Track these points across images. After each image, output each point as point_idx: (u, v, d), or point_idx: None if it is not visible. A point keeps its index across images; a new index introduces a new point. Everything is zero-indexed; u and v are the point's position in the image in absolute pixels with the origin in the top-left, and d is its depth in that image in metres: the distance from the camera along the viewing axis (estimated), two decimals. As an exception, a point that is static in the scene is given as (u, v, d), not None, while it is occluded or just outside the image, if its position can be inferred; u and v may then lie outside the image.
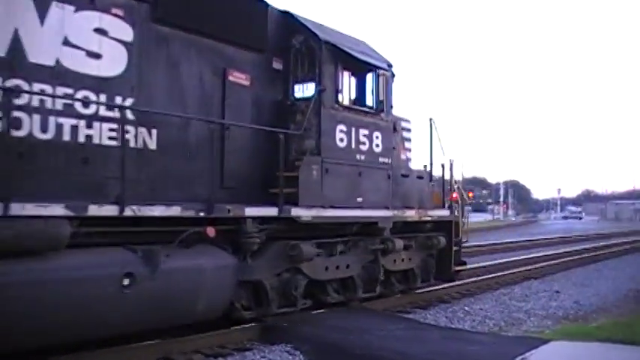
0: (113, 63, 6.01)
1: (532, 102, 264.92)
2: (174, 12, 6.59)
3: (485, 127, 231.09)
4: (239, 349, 6.48)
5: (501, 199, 67.90)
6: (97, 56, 5.87)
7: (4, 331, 4.70)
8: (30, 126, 5.31)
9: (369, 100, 8.72)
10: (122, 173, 5.54)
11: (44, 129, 5.42)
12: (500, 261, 15.98)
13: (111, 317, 5.40)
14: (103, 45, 5.92)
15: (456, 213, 10.57)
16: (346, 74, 8.31)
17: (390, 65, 9.05)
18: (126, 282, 5.45)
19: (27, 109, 5.29)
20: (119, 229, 5.63)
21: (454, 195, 10.48)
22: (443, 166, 10.55)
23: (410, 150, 10.46)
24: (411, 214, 9.34)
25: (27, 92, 5.30)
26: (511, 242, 24.85)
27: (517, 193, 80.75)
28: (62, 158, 5.52)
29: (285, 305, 7.49)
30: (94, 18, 5.85)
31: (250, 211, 6.76)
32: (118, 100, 6.02)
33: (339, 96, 8.08)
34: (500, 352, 6.10)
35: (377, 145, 8.66)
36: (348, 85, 8.41)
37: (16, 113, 5.18)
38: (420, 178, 9.86)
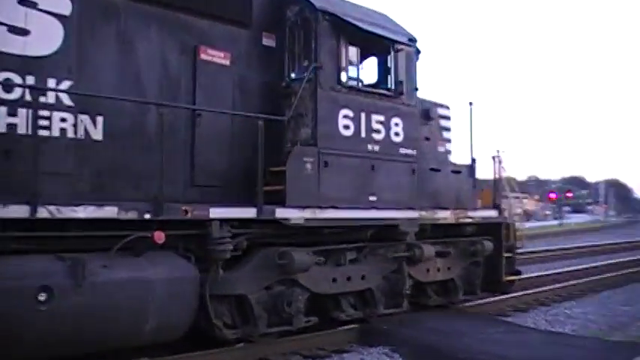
0: (44, 40, 5.10)
1: (635, 95, 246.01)
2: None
3: (586, 123, 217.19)
4: (337, 351, 6.46)
5: (601, 199, 62.78)
6: (22, 32, 4.99)
7: None
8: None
9: (386, 82, 7.34)
10: (35, 166, 4.57)
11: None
12: (602, 263, 15.41)
13: (25, 336, 4.47)
14: (30, 19, 5.03)
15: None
16: (353, 50, 6.99)
17: (412, 40, 7.63)
18: (42, 297, 4.50)
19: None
20: (47, 234, 4.71)
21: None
22: (494, 159, 9.00)
23: (450, 141, 8.93)
24: (445, 216, 7.86)
25: None
26: (611, 244, 23.91)
27: (618, 192, 75.00)
28: None
29: (275, 324, 6.30)
30: None
31: (217, 212, 5.64)
32: (52, 82, 5.11)
33: (343, 75, 6.78)
34: (604, 358, 6.00)
35: (396, 134, 7.28)
36: (356, 62, 7.08)
37: None
38: (457, 172, 8.32)
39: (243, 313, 6.18)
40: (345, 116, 6.74)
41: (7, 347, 4.45)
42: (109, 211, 4.92)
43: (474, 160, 8.59)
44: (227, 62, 6.35)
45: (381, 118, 7.13)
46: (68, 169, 5.13)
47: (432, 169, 7.84)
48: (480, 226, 8.63)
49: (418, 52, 7.75)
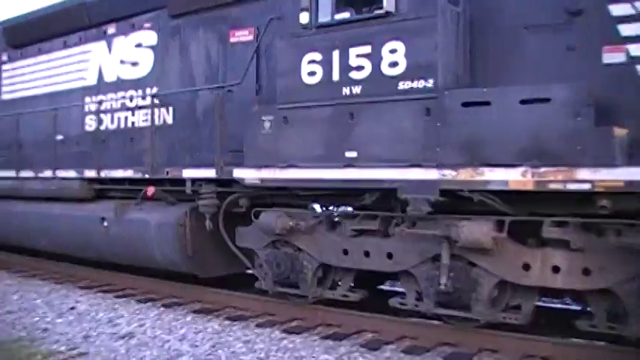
0: (144, 66, 7.87)
1: None
2: (184, 1, 7.43)
3: None
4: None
5: None
6: (135, 64, 7.99)
7: (52, 238, 8.22)
8: (105, 122, 8.29)
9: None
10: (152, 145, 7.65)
11: (112, 123, 8.24)
12: None
13: (96, 243, 7.70)
14: (138, 54, 7.95)
15: None
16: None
17: None
18: (104, 222, 7.57)
19: (105, 112, 8.30)
20: (108, 187, 7.72)
21: None
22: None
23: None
24: (505, 177, 4.71)
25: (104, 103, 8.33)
26: None
27: None
28: (119, 140, 8.09)
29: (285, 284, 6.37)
30: (135, 36, 8.00)
31: (187, 173, 6.73)
32: (148, 91, 7.81)
33: (304, 15, 5.74)
34: None
35: (393, 64, 5.24)
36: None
37: (100, 116, 8.33)
38: (541, 101, 4.53)
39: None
40: (312, 61, 5.70)
41: (85, 249, 7.74)
42: (128, 172, 7.27)
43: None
44: (251, 38, 6.80)
45: (366, 49, 5.37)
46: (156, 146, 7.61)
47: (467, 104, 4.83)
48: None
49: None
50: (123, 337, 5.88)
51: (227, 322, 6.33)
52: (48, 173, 8.45)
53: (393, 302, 5.71)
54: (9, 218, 9.01)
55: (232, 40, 6.88)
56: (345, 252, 5.84)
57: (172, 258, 6.92)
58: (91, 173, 7.91)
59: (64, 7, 8.84)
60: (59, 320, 6.58)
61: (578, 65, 4.74)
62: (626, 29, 4.66)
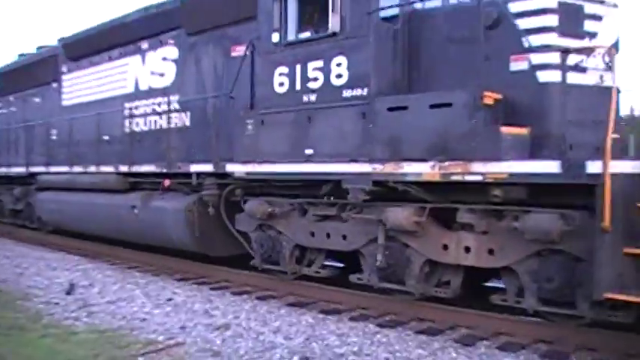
0: (169, 77, 9.31)
1: None
2: (198, 22, 8.78)
3: None
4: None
5: None
6: (162, 75, 9.45)
7: (96, 223, 9.91)
8: (139, 125, 9.84)
9: (326, 21, 6.41)
10: (168, 144, 9.20)
11: (144, 125, 9.77)
12: None
13: (126, 227, 9.27)
14: (164, 66, 9.41)
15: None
16: (292, 4, 6.79)
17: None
18: (134, 209, 9.12)
19: (139, 116, 9.85)
20: (150, 180, 9.23)
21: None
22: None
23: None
24: (419, 170, 5.69)
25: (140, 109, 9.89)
26: None
27: None
28: (150, 140, 9.60)
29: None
30: (162, 51, 9.46)
31: (193, 167, 8.10)
32: (172, 99, 9.22)
33: (275, 35, 6.91)
34: None
35: (339, 76, 6.33)
36: (296, 11, 6.76)
37: (136, 119, 9.89)
38: (444, 106, 5.43)
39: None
40: (281, 74, 6.88)
41: (121, 232, 9.33)
42: (149, 167, 8.75)
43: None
44: (243, 52, 7.98)
45: (319, 64, 6.47)
46: (177, 145, 9.03)
47: (392, 109, 5.81)
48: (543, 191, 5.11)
49: None
50: (218, 328, 5.98)
51: (320, 316, 6.44)
52: (93, 169, 10.15)
53: (352, 278, 6.75)
54: (65, 207, 10.83)
55: (233, 54, 8.11)
56: (312, 234, 6.96)
57: (183, 239, 8.33)
58: (124, 168, 9.49)
59: (109, 26, 10.47)
60: (157, 311, 6.76)
61: (492, 73, 5.55)
62: (528, 40, 5.45)
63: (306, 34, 6.64)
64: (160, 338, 5.69)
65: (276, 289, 7.52)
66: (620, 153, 5.63)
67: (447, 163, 5.38)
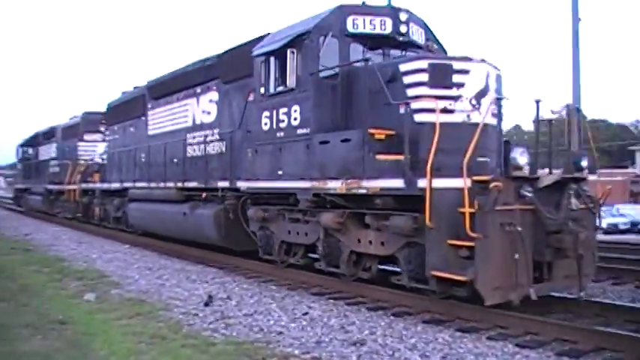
0: (211, 115, 12.59)
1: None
2: (228, 74, 11.95)
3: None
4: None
5: None
6: (209, 114, 12.75)
7: (163, 226, 13.43)
8: (194, 151, 13.22)
9: (285, 79, 9.21)
10: (206, 167, 12.60)
11: (196, 151, 13.12)
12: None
13: (176, 228, 12.67)
14: (210, 106, 12.70)
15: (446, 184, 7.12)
16: (272, 62, 9.67)
17: (304, 34, 8.86)
18: (185, 214, 12.49)
19: (194, 144, 13.23)
20: (196, 193, 12.57)
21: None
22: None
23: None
24: (335, 185, 8.34)
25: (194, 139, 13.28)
26: None
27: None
28: (198, 162, 12.91)
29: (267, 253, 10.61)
30: (209, 95, 12.77)
31: (220, 184, 11.25)
32: (215, 132, 12.47)
33: (262, 88, 9.85)
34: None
35: (295, 119, 9.13)
36: (274, 71, 9.63)
37: (192, 147, 13.28)
38: (347, 141, 8.02)
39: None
40: (265, 116, 9.80)
41: (177, 232, 12.69)
42: (194, 184, 12.06)
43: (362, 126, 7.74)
44: (252, 98, 10.97)
45: (285, 109, 9.33)
46: (213, 167, 12.22)
47: (321, 142, 8.50)
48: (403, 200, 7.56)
49: (325, 34, 8.73)
50: (354, 344, 6.11)
51: (458, 334, 6.50)
52: (162, 184, 13.70)
53: (317, 265, 9.39)
54: (144, 214, 14.54)
55: (249, 99, 11.14)
56: (289, 232, 9.74)
57: (213, 236, 11.48)
58: (180, 184, 12.90)
59: (176, 74, 14.00)
60: (293, 325, 6.95)
61: (391, 115, 7.97)
62: (409, 92, 7.86)
63: (280, 89, 9.48)
64: (296, 352, 5.81)
65: (412, 305, 7.80)
66: (491, 171, 7.77)
67: (349, 181, 7.94)
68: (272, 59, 9.58)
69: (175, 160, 13.64)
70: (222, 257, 12.23)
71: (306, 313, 7.53)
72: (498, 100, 8.16)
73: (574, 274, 7.25)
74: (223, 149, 11.86)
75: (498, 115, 8.42)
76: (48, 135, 25.25)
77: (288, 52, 8.97)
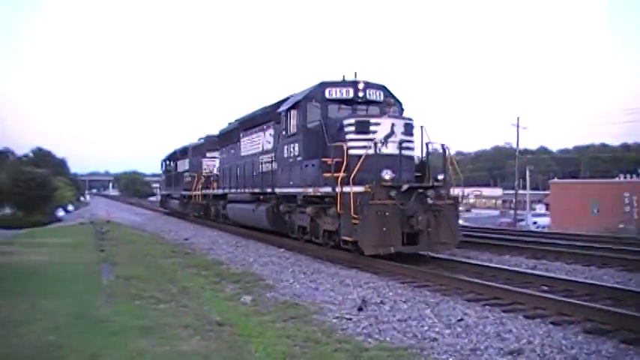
0: (272, 144, 19.93)
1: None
2: (275, 118, 19.09)
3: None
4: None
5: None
6: (270, 142, 20.10)
7: (243, 219, 21.18)
8: (262, 168, 20.68)
9: (292, 128, 16.30)
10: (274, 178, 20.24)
11: (262, 168, 20.56)
12: None
13: (242, 219, 20.36)
14: (270, 138, 20.04)
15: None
16: (286, 116, 16.74)
17: (306, 97, 15.82)
18: (252, 210, 20.03)
19: (262, 163, 20.68)
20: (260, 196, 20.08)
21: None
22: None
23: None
24: (309, 191, 15.23)
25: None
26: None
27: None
28: (263, 175, 20.29)
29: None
30: (269, 130, 20.07)
31: (267, 189, 18.60)
32: (272, 155, 19.79)
33: (284, 132, 17.01)
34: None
35: (296, 151, 16.20)
36: (287, 122, 16.69)
37: (261, 165, 20.77)
38: (313, 165, 14.83)
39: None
40: (286, 149, 16.94)
41: (249, 222, 20.28)
42: (257, 189, 19.58)
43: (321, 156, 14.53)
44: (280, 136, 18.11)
45: (293, 145, 16.39)
46: (268, 178, 19.50)
47: (305, 165, 15.42)
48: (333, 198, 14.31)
49: (306, 99, 15.70)
50: (511, 353, 6.15)
51: (622, 346, 6.34)
52: (242, 190, 21.42)
53: (306, 237, 16.34)
54: (234, 211, 22.41)
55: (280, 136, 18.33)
56: (299, 219, 16.76)
57: (266, 224, 18.84)
58: (250, 190, 20.47)
59: (254, 115, 21.57)
60: (447, 331, 7.05)
61: (341, 150, 14.72)
62: (347, 136, 14.58)
63: (293, 131, 16.52)
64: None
65: (573, 313, 7.77)
66: (392, 182, 14.21)
67: (315, 188, 14.77)
68: (286, 114, 16.67)
69: (255, 174, 21.18)
70: (375, 262, 12.99)
71: (461, 320, 7.61)
72: (402, 141, 14.42)
73: (437, 241, 13.42)
74: (274, 167, 19.12)
75: (409, 149, 14.69)
76: (183, 152, 34.55)
77: (291, 111, 16.03)
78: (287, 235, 18.25)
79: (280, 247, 17.65)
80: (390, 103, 16.07)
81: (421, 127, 14.70)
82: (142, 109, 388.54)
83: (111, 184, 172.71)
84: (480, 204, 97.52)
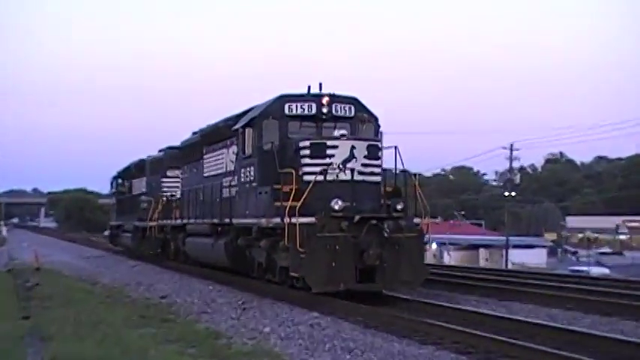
0: (233, 164, 25.79)
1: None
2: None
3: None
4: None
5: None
6: (232, 162, 25.96)
7: (199, 254, 27.19)
8: (224, 193, 26.54)
9: (247, 149, 22.16)
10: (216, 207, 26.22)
11: (225, 194, 26.41)
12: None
13: (203, 255, 26.35)
14: (232, 158, 25.87)
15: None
16: (241, 134, 22.58)
17: (262, 114, 21.64)
18: (210, 245, 25.95)
19: (224, 187, 26.52)
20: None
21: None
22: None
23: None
24: (262, 221, 20.99)
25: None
26: None
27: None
28: (224, 202, 26.17)
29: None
30: (231, 149, 25.95)
31: (226, 220, 24.51)
32: (232, 178, 25.60)
33: (240, 152, 22.87)
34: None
35: (251, 175, 22.07)
36: (246, 140, 22.50)
37: (222, 189, 26.62)
38: (267, 193, 20.54)
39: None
40: (242, 171, 22.80)
41: (200, 254, 26.26)
42: (210, 220, 25.53)
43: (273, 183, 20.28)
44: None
45: (249, 168, 22.20)
46: (229, 207, 25.33)
47: (259, 192, 21.20)
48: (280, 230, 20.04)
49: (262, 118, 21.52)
50: None
51: None
52: (202, 220, 27.36)
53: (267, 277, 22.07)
54: (193, 245, 28.42)
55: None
56: (257, 254, 22.53)
57: (226, 262, 24.68)
58: (208, 220, 26.37)
59: (216, 128, 27.44)
60: None
61: (297, 176, 20.44)
62: (302, 160, 20.32)
63: (248, 153, 22.33)
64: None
65: None
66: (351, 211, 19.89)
67: (268, 219, 20.51)
68: (243, 132, 22.47)
69: (214, 200, 26.96)
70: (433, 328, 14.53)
71: None
72: (366, 165, 20.01)
73: (396, 279, 19.00)
74: (232, 193, 24.87)
75: (374, 174, 20.28)
76: (139, 168, 38.33)
77: (247, 129, 21.88)
78: (247, 274, 23.83)
79: (312, 309, 18.32)
80: (363, 120, 21.45)
81: (395, 147, 20.16)
82: (94, 99, 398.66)
83: (43, 210, 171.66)
84: (637, 242, 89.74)
